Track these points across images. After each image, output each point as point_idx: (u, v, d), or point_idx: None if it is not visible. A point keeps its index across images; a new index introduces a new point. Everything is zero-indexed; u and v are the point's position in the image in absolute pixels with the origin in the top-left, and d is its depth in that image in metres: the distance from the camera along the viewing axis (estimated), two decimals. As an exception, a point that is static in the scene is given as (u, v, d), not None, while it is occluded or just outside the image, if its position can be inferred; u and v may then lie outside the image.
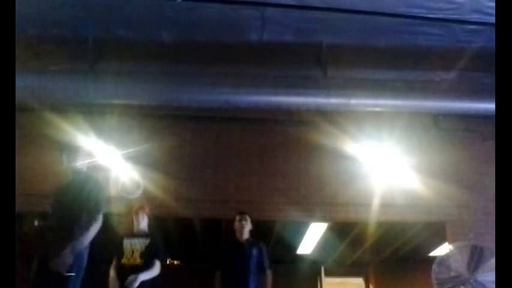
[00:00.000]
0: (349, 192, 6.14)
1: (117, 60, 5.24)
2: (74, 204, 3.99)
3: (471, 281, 5.22)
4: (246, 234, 5.20)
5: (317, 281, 11.01)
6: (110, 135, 5.80)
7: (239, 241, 5.18)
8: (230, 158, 6.36)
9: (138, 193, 5.79)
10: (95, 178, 4.25)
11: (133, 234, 4.97)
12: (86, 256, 3.97)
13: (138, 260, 4.78)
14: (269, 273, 5.08)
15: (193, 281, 9.57)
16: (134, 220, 5.03)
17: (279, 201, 6.17)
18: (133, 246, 4.84)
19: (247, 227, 5.21)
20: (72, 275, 3.78)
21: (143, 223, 5.03)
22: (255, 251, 5.10)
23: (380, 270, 10.70)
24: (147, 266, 4.76)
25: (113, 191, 5.65)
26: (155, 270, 4.80)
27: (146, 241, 4.89)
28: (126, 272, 4.69)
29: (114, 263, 4.89)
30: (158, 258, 4.87)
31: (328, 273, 11.04)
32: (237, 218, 5.24)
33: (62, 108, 5.55)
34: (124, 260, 4.80)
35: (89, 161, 4.41)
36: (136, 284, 4.55)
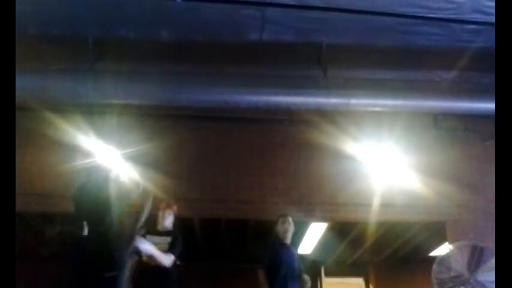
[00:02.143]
0: (349, 192, 6.14)
1: (117, 60, 5.24)
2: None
3: (471, 281, 5.22)
4: (289, 238, 5.16)
5: (317, 281, 11.00)
6: (110, 135, 5.80)
7: (286, 244, 5.13)
8: (230, 158, 6.36)
9: (138, 193, 5.77)
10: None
11: (155, 232, 4.90)
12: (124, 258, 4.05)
13: None
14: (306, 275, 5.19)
15: (193, 281, 9.57)
16: (160, 216, 4.97)
17: (279, 201, 6.17)
18: (157, 246, 4.71)
19: (291, 229, 5.16)
20: (117, 275, 3.84)
21: (168, 221, 4.98)
22: (296, 254, 5.15)
23: (380, 270, 10.68)
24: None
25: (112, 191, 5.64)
26: (167, 260, 4.70)
27: (168, 239, 4.83)
28: (149, 272, 4.63)
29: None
30: (174, 254, 4.79)
31: (328, 273, 11.02)
32: (280, 220, 5.19)
33: (62, 108, 5.55)
34: (147, 260, 4.68)
35: (89, 161, 4.42)
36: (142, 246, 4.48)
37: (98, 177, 4.30)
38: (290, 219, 5.21)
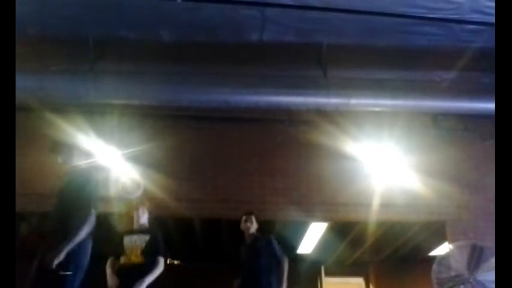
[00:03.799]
0: (349, 192, 6.14)
1: (117, 60, 5.24)
2: (70, 202, 3.98)
3: (471, 280, 5.21)
4: (252, 231, 5.21)
5: (317, 280, 11.00)
6: (110, 135, 5.81)
7: (246, 241, 5.21)
8: (230, 157, 6.36)
9: (138, 193, 5.78)
10: (89, 176, 4.23)
11: (132, 231, 4.87)
12: (86, 256, 3.96)
13: (139, 258, 4.67)
14: (284, 261, 5.03)
15: (193, 281, 9.58)
16: (134, 215, 4.93)
17: (279, 201, 6.17)
18: (133, 244, 4.73)
19: (253, 228, 5.21)
20: (68, 274, 3.76)
21: (143, 218, 4.92)
22: (262, 244, 5.08)
23: (380, 270, 10.68)
24: (148, 264, 4.67)
25: (113, 191, 5.65)
26: (159, 268, 4.70)
27: (146, 237, 4.78)
28: (127, 271, 4.61)
29: (110, 262, 4.75)
30: (161, 255, 4.75)
31: (328, 273, 11.02)
32: (243, 218, 5.24)
33: (62, 108, 5.55)
34: (124, 259, 4.69)
35: (89, 161, 4.39)
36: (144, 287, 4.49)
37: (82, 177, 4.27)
38: (253, 218, 5.23)
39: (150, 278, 4.58)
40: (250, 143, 6.43)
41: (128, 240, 4.79)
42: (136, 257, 4.69)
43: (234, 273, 5.18)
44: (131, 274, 4.59)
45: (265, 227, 6.00)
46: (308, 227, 8.11)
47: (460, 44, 5.03)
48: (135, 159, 5.91)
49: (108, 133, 5.79)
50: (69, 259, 3.78)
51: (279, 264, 5.02)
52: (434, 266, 5.43)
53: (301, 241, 9.10)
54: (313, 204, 6.29)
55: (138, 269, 4.62)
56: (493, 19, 4.20)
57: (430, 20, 4.60)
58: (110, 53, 5.19)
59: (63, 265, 3.73)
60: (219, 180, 6.24)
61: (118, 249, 4.79)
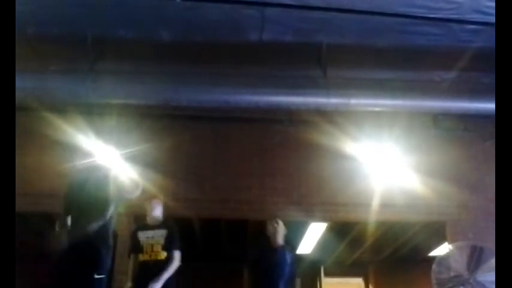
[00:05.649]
0: (349, 192, 6.14)
1: (117, 60, 5.24)
2: (96, 200, 3.97)
3: (471, 281, 5.21)
4: (280, 240, 5.18)
5: (317, 281, 11.00)
6: (110, 135, 5.79)
7: (274, 247, 5.16)
8: (230, 157, 6.36)
9: (137, 193, 5.76)
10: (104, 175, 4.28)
11: (147, 226, 4.80)
12: (110, 260, 3.96)
13: (162, 255, 4.63)
14: (296, 281, 5.13)
15: (193, 281, 9.57)
16: (147, 208, 4.86)
17: (278, 201, 6.17)
18: (152, 240, 4.66)
19: (281, 231, 5.20)
20: (102, 277, 3.76)
21: (157, 211, 4.86)
22: (288, 258, 5.11)
23: (380, 270, 10.69)
24: (169, 259, 4.64)
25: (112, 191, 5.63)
26: (176, 262, 4.66)
27: (164, 232, 4.72)
28: (151, 269, 4.56)
29: (131, 258, 4.73)
30: (178, 249, 4.71)
31: (328, 273, 11.03)
32: (269, 222, 5.23)
33: (62, 108, 5.55)
34: (145, 257, 4.63)
35: (89, 161, 4.40)
36: (160, 284, 4.45)
37: (98, 176, 4.28)
38: (280, 222, 5.22)
39: (166, 275, 4.52)
40: (250, 143, 6.43)
41: (143, 237, 4.72)
42: (158, 254, 4.63)
43: (248, 266, 5.12)
44: (154, 272, 4.53)
45: (264, 227, 5.99)
46: (308, 227, 8.12)
47: (460, 44, 5.03)
48: (134, 159, 5.89)
49: (107, 133, 5.77)
50: (105, 261, 3.79)
51: (292, 281, 5.12)
52: (434, 267, 5.42)
53: (300, 241, 9.10)
54: (313, 204, 6.29)
55: (162, 265, 4.57)
56: (493, 19, 4.19)
57: (430, 20, 4.59)
58: (109, 52, 5.18)
59: (99, 267, 3.74)
60: (219, 180, 6.24)
61: (136, 247, 4.72)
